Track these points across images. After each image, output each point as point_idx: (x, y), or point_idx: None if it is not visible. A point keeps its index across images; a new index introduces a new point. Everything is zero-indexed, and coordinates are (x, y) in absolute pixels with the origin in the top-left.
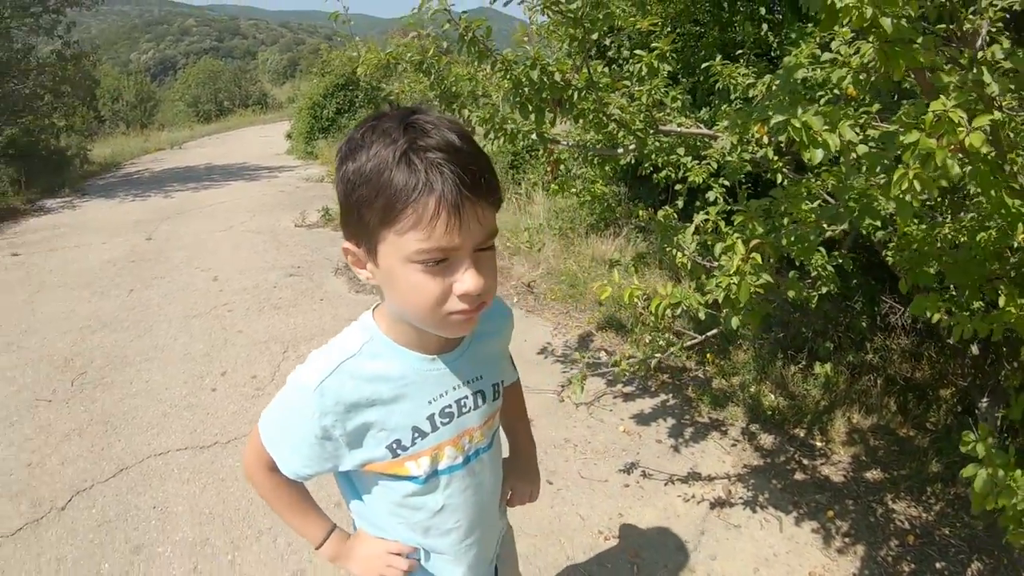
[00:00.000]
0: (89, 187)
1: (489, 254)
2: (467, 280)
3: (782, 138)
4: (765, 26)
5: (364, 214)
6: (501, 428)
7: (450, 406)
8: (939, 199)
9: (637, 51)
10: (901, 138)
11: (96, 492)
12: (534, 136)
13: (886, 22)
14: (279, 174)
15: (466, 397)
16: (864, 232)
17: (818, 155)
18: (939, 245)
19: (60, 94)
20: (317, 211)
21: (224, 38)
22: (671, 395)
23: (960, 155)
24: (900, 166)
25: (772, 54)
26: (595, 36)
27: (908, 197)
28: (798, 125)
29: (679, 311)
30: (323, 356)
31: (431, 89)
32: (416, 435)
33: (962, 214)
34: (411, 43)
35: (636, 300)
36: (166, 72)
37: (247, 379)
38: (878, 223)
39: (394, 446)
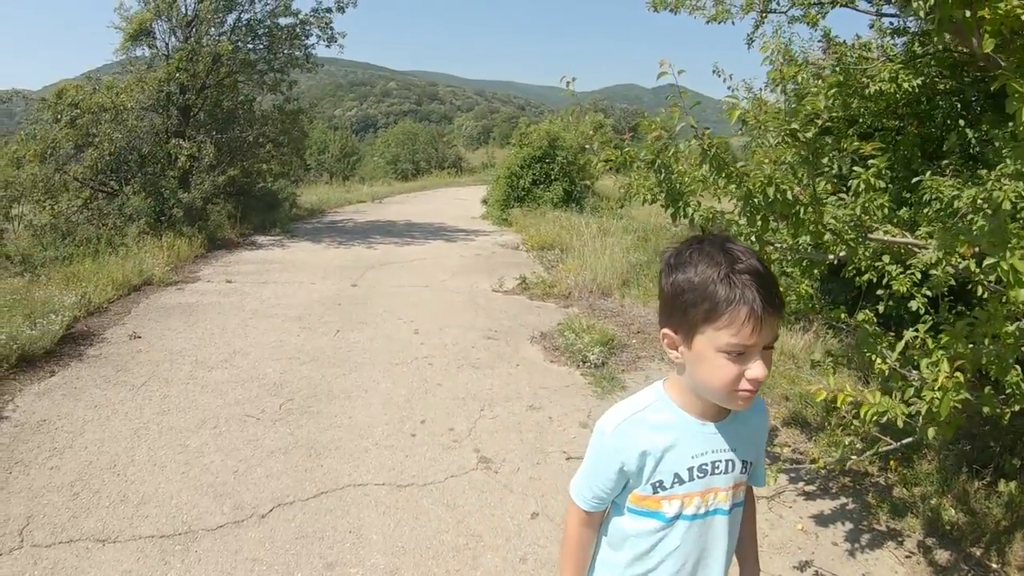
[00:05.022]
0: (297, 229)
1: (771, 351)
2: (756, 368)
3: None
4: (962, 122)
5: (689, 312)
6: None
7: (706, 464)
8: None
9: (856, 168)
10: None
11: (296, 508)
12: (753, 239)
13: None
14: (475, 238)
15: (720, 461)
16: None
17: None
18: None
19: (279, 144)
20: (514, 278)
21: (423, 101)
22: (851, 499)
23: None
24: None
25: (972, 150)
26: (825, 160)
27: None
28: (1006, 267)
29: (883, 419)
30: (622, 408)
31: (658, 187)
32: (675, 480)
33: None
34: (650, 144)
35: (845, 405)
36: (367, 129)
37: (445, 430)
38: None
39: (657, 485)
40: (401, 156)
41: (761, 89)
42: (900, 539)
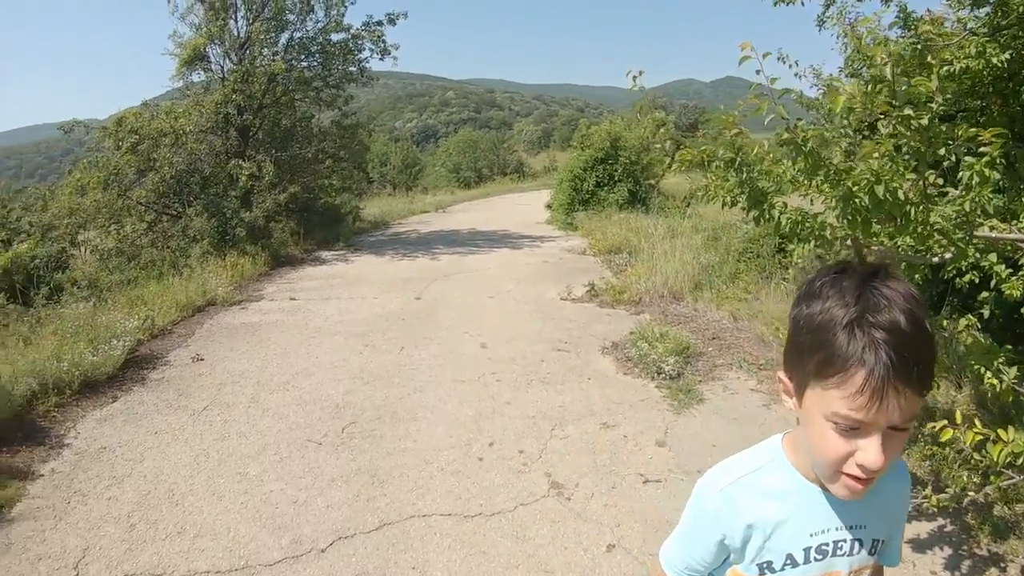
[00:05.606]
0: (360, 243)
1: (902, 434)
2: (869, 454)
3: None
4: None
5: (804, 359)
6: None
7: (827, 544)
8: None
9: (967, 157)
10: None
11: (358, 542)
12: (848, 243)
13: None
14: (541, 244)
15: (844, 540)
16: None
17: None
18: None
19: (339, 159)
20: (583, 285)
21: (481, 109)
22: (948, 519)
23: None
24: None
25: None
26: (942, 151)
27: None
28: None
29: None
30: (728, 467)
31: (738, 188)
32: (788, 562)
33: None
34: (729, 141)
35: (973, 442)
36: (427, 139)
37: (514, 453)
38: None
39: (764, 566)
40: (463, 164)
41: (830, 75)
42: (1003, 565)
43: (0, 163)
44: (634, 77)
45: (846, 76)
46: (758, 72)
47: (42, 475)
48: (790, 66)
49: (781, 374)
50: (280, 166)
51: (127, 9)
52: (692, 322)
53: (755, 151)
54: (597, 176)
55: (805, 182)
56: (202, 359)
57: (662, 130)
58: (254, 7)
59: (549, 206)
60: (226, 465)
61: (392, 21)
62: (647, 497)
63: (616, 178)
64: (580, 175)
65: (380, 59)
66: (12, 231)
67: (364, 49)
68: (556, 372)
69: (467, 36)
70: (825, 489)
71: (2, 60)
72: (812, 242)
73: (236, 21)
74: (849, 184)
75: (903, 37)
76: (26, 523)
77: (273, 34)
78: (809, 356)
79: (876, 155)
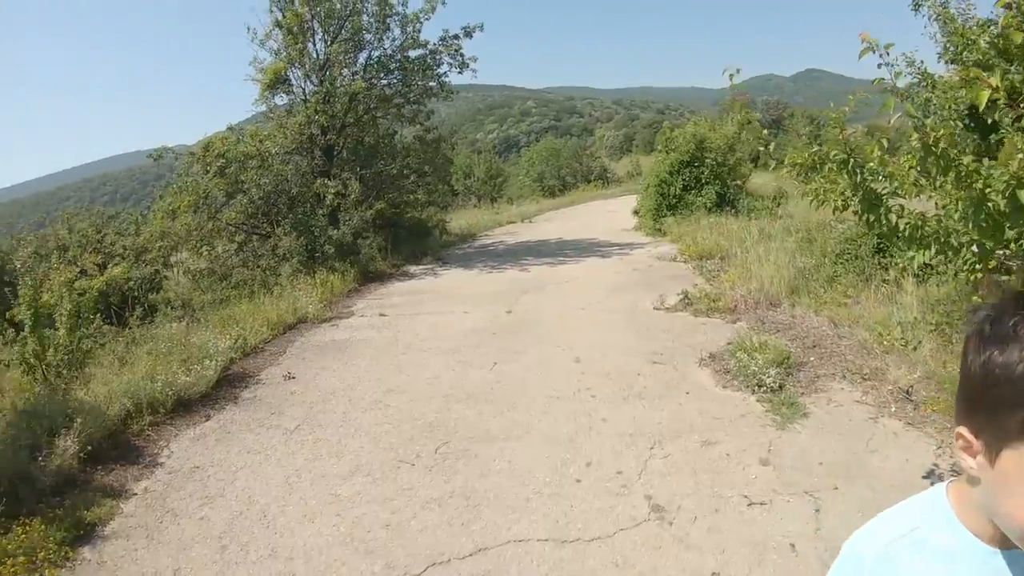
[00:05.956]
0: (448, 256)
1: None
2: None
3: None
4: None
5: (1000, 414)
6: None
7: None
8: None
9: None
10: None
11: (452, 568)
12: (974, 248)
13: None
14: (630, 251)
15: None
16: None
17: None
18: None
19: (423, 173)
20: (675, 294)
21: (562, 117)
22: None
23: None
24: None
25: None
26: None
27: None
28: None
29: None
30: (884, 524)
31: (852, 191)
32: None
33: None
34: (839, 141)
35: None
36: (509, 150)
37: (612, 474)
38: None
39: None
40: (546, 173)
41: (923, 62)
42: None
43: (96, 189)
44: (731, 75)
45: (945, 63)
46: (880, 66)
47: (135, 494)
48: (880, 55)
49: (963, 430)
50: (366, 183)
51: (210, 39)
52: (790, 330)
53: (872, 151)
54: (684, 180)
55: (927, 184)
56: (293, 377)
57: (764, 134)
58: (331, 29)
59: (636, 212)
60: (318, 486)
61: (468, 34)
62: (752, 521)
63: (703, 181)
64: (666, 179)
65: (459, 72)
66: (107, 255)
67: (442, 64)
68: (652, 386)
69: (543, 45)
70: (992, 548)
71: (97, 93)
72: (933, 248)
73: (314, 44)
74: (980, 187)
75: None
76: (119, 541)
77: (351, 54)
78: (1009, 412)
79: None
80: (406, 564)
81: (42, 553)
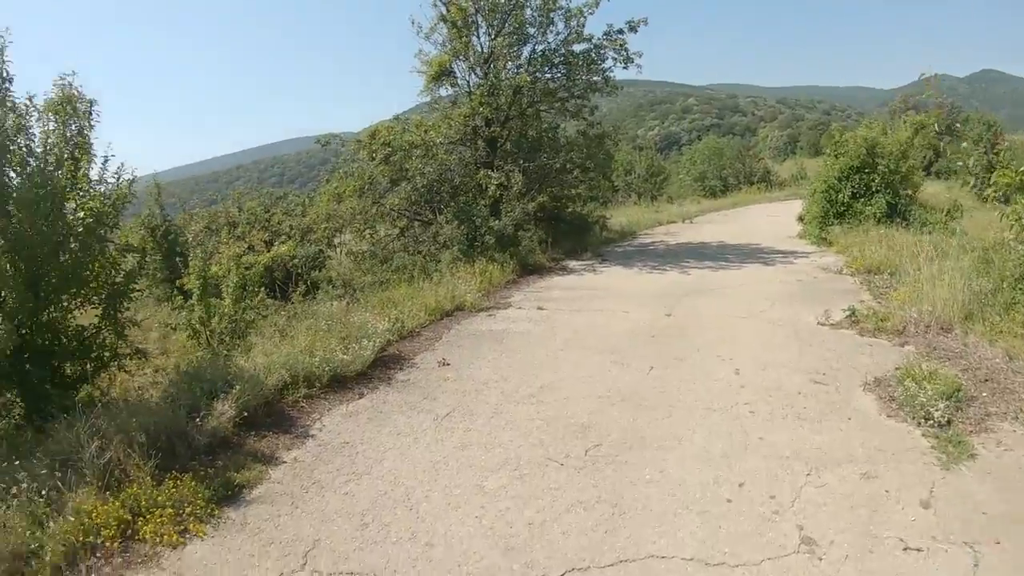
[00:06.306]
0: (607, 253)
1: None
2: None
3: None
4: None
5: None
6: None
7: None
8: None
9: None
10: None
11: None
12: None
13: None
14: (794, 260)
15: None
16: None
17: None
18: None
19: (585, 168)
20: (841, 310)
21: (724, 115)
22: None
23: None
24: None
25: None
26: None
27: None
28: None
29: None
30: None
31: None
32: None
33: None
34: None
35: None
36: (670, 147)
37: (765, 497)
38: None
39: None
40: (708, 172)
41: None
42: None
43: (265, 171)
44: (926, 80)
45: None
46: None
47: (284, 462)
48: None
49: None
50: (528, 176)
51: (374, 32)
52: (961, 359)
53: None
54: (853, 186)
55: None
56: (448, 364)
57: (919, 135)
58: (495, 23)
59: (801, 218)
60: (464, 475)
61: (633, 28)
62: (906, 567)
63: (874, 189)
64: (834, 185)
65: (624, 68)
66: (274, 232)
67: (607, 58)
68: (813, 408)
69: (706, 41)
70: None
71: (267, 81)
72: None
73: (479, 37)
74: None
75: None
76: (263, 506)
77: (515, 48)
78: None
79: None
80: (545, 566)
81: (189, 508)
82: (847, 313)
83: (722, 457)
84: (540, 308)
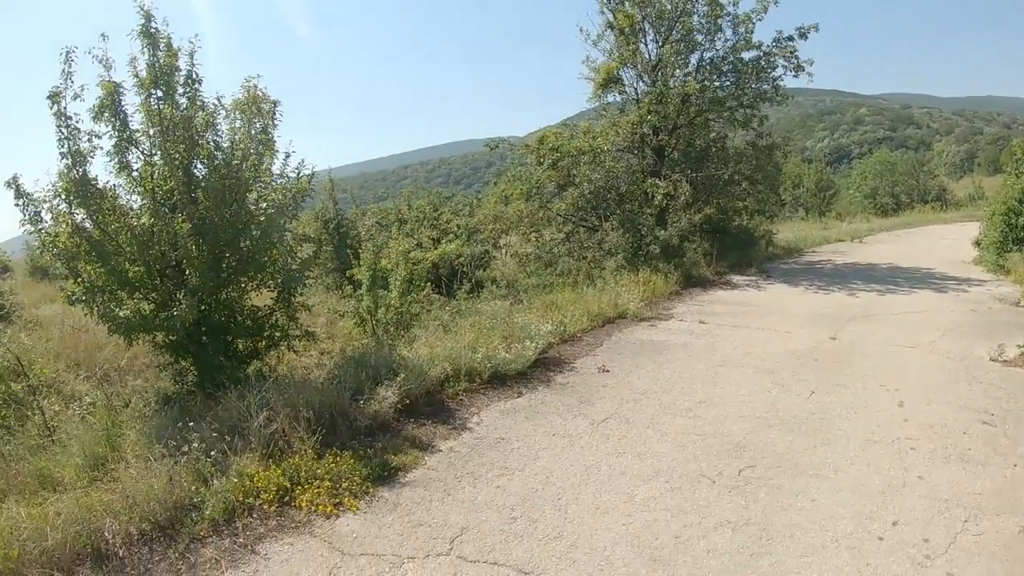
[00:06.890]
0: (773, 269)
1: None
2: None
3: None
4: None
5: None
6: None
7: None
8: None
9: None
10: None
11: None
12: None
13: None
14: (968, 288)
15: None
16: None
17: None
18: None
19: (754, 181)
20: (1017, 345)
21: (897, 127)
22: None
23: None
24: None
25: None
26: None
27: None
28: None
29: None
30: None
31: None
32: None
33: None
34: None
35: None
36: (840, 160)
37: (918, 540)
38: None
39: None
40: (879, 189)
41: None
42: None
43: (432, 171)
44: None
45: None
46: None
47: (440, 451)
48: None
49: None
50: (696, 186)
51: (542, 38)
52: None
53: None
54: None
55: None
56: (607, 371)
57: None
58: (662, 30)
59: (977, 243)
60: (615, 482)
61: (803, 35)
62: None
63: None
64: (1015, 208)
65: (794, 76)
66: (442, 231)
67: (776, 66)
68: (979, 450)
69: (879, 48)
70: None
71: (454, 87)
72: None
73: (646, 45)
74: None
75: None
76: (416, 490)
77: (683, 55)
78: None
79: None
80: None
81: (346, 483)
82: (1022, 351)
83: (879, 493)
84: (701, 322)
